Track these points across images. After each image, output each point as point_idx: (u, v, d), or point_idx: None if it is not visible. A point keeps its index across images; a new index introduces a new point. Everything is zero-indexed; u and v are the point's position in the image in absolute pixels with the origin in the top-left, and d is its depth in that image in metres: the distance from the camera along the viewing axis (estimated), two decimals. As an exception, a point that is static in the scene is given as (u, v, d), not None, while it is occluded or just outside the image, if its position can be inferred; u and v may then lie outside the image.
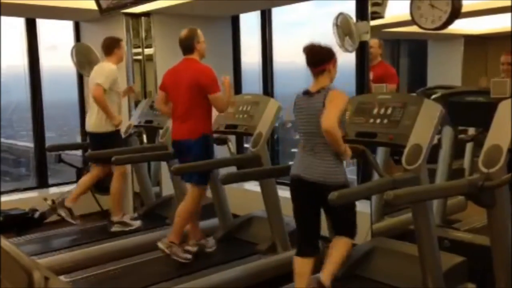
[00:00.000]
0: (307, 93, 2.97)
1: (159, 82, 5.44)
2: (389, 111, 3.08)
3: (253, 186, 5.04)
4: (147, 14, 5.52)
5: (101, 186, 5.25)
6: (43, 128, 6.17)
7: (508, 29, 3.04)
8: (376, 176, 3.39)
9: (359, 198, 2.92)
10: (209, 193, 4.32)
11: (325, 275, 2.92)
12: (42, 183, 6.16)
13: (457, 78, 3.70)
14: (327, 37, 4.01)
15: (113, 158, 4.20)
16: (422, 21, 3.33)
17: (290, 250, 3.93)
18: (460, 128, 3.70)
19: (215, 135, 4.20)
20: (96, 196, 5.42)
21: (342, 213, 3.00)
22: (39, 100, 6.11)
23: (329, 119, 2.77)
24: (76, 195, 4.82)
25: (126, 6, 5.04)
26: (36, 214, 5.11)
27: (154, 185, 5.48)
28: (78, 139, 6.50)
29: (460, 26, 3.34)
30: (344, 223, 3.07)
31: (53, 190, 6.00)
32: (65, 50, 5.76)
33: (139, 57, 5.68)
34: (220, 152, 4.32)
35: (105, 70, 4.68)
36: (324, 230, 3.34)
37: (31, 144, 6.27)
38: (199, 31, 3.90)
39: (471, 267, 3.15)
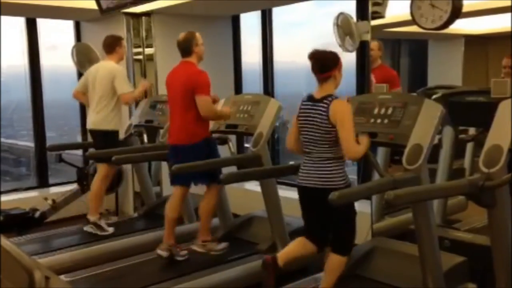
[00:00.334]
0: (311, 99, 2.97)
1: (160, 81, 5.49)
2: (389, 111, 3.08)
3: (254, 186, 5.05)
4: (147, 13, 5.52)
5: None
6: (44, 128, 6.17)
7: (508, 29, 3.04)
8: (376, 176, 3.39)
9: (359, 198, 2.92)
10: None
11: None
12: (43, 182, 6.17)
13: (457, 78, 3.70)
14: (328, 37, 4.01)
15: (113, 158, 4.20)
16: (423, 21, 3.32)
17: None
18: (461, 128, 3.70)
19: (215, 135, 4.21)
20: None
21: (339, 223, 3.03)
22: (40, 99, 6.12)
23: (351, 149, 2.85)
24: (95, 208, 4.77)
25: (127, 5, 5.03)
26: (37, 214, 5.12)
27: (154, 185, 5.48)
28: (79, 139, 6.50)
29: (461, 26, 3.34)
30: (340, 236, 3.07)
31: (53, 189, 6.01)
32: (65, 49, 5.76)
33: (140, 56, 5.68)
34: (221, 152, 4.32)
35: (121, 74, 4.71)
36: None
37: (31, 144, 6.27)
38: (197, 34, 3.88)
39: (472, 267, 3.15)
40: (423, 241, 2.94)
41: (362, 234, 3.82)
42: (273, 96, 5.52)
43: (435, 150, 2.98)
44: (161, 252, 3.92)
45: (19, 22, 5.98)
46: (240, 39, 6.16)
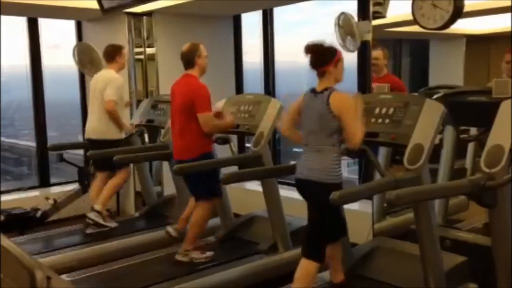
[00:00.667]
0: (313, 91, 2.98)
1: (161, 81, 5.49)
2: (391, 111, 3.08)
3: (255, 186, 5.05)
4: (149, 13, 5.52)
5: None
6: (45, 127, 6.18)
7: (510, 29, 3.04)
8: (377, 176, 3.39)
9: (360, 197, 2.91)
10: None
11: None
12: (44, 182, 6.18)
13: (459, 78, 3.70)
14: (329, 37, 4.01)
15: (114, 158, 4.20)
16: (424, 21, 3.32)
17: (292, 250, 3.94)
18: (462, 128, 3.70)
19: (217, 135, 4.21)
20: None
21: (319, 225, 2.99)
22: (41, 99, 6.12)
23: (354, 137, 2.82)
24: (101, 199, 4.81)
25: (128, 5, 5.04)
26: (38, 213, 5.12)
27: (155, 185, 5.48)
28: (80, 138, 6.50)
29: (462, 26, 3.34)
30: (316, 240, 3.02)
31: (54, 189, 6.01)
32: (67, 49, 5.77)
33: (141, 56, 5.68)
34: (222, 151, 4.33)
35: (113, 82, 4.68)
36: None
37: (33, 143, 6.28)
38: (201, 46, 3.86)
39: (473, 267, 3.15)
40: (424, 241, 2.94)
41: (364, 234, 3.82)
42: (274, 96, 5.52)
43: (436, 150, 2.98)
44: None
45: (21, 22, 5.98)
46: (241, 38, 6.16)
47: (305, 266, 2.98)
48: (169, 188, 5.06)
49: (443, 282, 2.97)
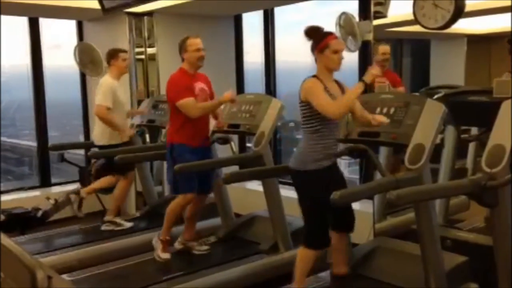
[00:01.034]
0: None
1: (162, 81, 5.49)
2: (391, 111, 3.08)
3: (256, 186, 5.05)
4: (150, 13, 5.52)
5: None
6: (46, 127, 6.19)
7: (510, 29, 3.03)
8: (378, 176, 3.39)
9: (361, 197, 2.91)
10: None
11: None
12: (45, 182, 6.19)
13: (460, 77, 3.69)
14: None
15: (116, 158, 4.20)
16: (425, 21, 3.32)
17: (293, 250, 3.93)
18: (463, 127, 3.69)
19: (217, 135, 4.21)
20: (99, 195, 5.42)
21: (303, 210, 3.02)
22: (42, 99, 6.13)
23: (327, 110, 2.79)
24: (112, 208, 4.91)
25: (129, 5, 5.04)
26: (39, 213, 5.12)
27: (156, 185, 5.48)
28: (81, 138, 6.52)
29: (463, 26, 3.34)
30: (306, 226, 3.06)
31: (55, 189, 6.02)
32: (68, 49, 5.77)
33: (142, 56, 5.68)
34: (223, 151, 4.33)
35: (101, 87, 4.68)
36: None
37: (34, 143, 6.29)
38: (189, 41, 3.79)
39: (474, 266, 3.15)
40: (425, 240, 2.94)
41: (364, 234, 3.82)
42: (275, 96, 5.52)
43: (437, 149, 2.98)
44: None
45: (22, 22, 5.99)
46: (242, 38, 6.16)
47: (298, 252, 3.07)
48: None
49: (444, 282, 2.97)
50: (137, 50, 5.65)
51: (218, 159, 4.07)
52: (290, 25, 6.30)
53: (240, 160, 4.04)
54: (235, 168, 3.84)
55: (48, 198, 5.23)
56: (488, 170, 2.57)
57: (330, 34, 2.90)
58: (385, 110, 3.12)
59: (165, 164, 5.08)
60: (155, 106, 5.08)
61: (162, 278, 3.65)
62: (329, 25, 4.01)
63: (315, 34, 2.90)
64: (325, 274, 3.43)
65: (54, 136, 6.46)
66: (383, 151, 3.79)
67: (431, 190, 2.73)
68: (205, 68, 3.95)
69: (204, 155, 3.91)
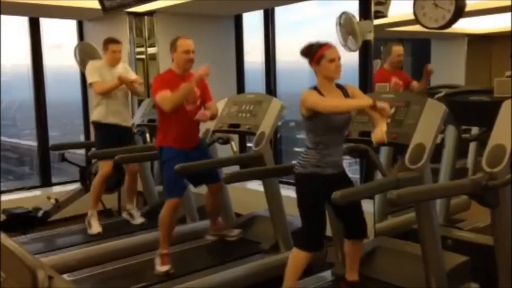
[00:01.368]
0: None
1: (162, 81, 5.48)
2: (392, 111, 3.08)
3: (256, 186, 5.05)
4: (150, 13, 5.52)
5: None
6: (47, 127, 6.19)
7: (510, 28, 3.03)
8: (379, 175, 3.39)
9: (362, 197, 2.91)
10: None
11: None
12: (46, 181, 6.19)
13: (460, 77, 3.69)
14: (331, 36, 4.01)
15: (115, 158, 4.20)
16: (426, 20, 3.32)
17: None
18: (464, 127, 3.69)
19: (218, 134, 4.21)
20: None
21: (301, 212, 3.02)
22: (43, 98, 6.13)
23: (318, 105, 2.80)
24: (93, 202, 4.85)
25: (130, 5, 5.04)
26: (40, 213, 5.13)
27: (157, 184, 5.48)
28: (82, 138, 6.52)
29: (464, 26, 3.34)
30: (301, 227, 3.06)
31: (56, 189, 6.02)
32: (68, 49, 5.78)
33: (142, 56, 5.68)
34: (223, 151, 4.32)
35: (86, 70, 4.77)
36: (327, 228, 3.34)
37: (34, 143, 6.29)
38: (179, 41, 3.74)
39: (475, 266, 3.15)
40: (426, 240, 2.94)
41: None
42: (275, 96, 5.52)
43: (437, 149, 2.98)
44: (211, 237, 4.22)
45: (23, 22, 5.99)
46: (242, 38, 6.17)
47: (291, 254, 3.06)
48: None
49: (444, 281, 2.97)
50: (138, 49, 5.65)
51: (218, 159, 4.07)
52: (291, 25, 6.30)
53: (240, 160, 4.04)
54: (235, 168, 3.84)
55: (48, 198, 5.24)
56: (488, 169, 2.57)
57: (324, 44, 2.89)
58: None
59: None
60: (155, 106, 5.07)
61: (163, 278, 3.65)
62: (329, 25, 4.02)
63: (309, 49, 2.91)
64: (325, 274, 3.43)
65: (54, 136, 6.47)
66: (384, 151, 3.79)
67: (432, 190, 2.73)
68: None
69: (195, 156, 3.76)
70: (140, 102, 5.55)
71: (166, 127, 3.78)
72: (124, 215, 5.05)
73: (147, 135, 5.20)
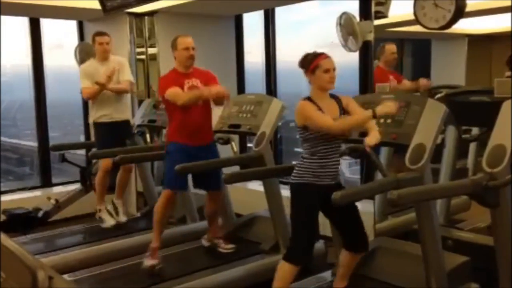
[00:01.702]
0: None
1: (163, 81, 5.48)
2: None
3: (257, 186, 5.05)
4: (150, 13, 5.52)
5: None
6: (47, 127, 6.19)
7: (510, 28, 3.03)
8: (379, 176, 3.38)
9: (362, 197, 2.91)
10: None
11: None
12: (46, 182, 6.19)
13: (460, 77, 3.69)
14: (331, 37, 4.01)
15: (116, 158, 4.20)
16: (426, 21, 3.32)
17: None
18: (464, 127, 3.69)
19: (218, 135, 4.21)
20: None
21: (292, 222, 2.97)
22: (43, 99, 6.13)
23: (322, 125, 2.79)
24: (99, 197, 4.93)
25: (130, 5, 5.04)
26: (40, 213, 5.13)
27: (157, 185, 5.47)
28: (82, 138, 6.52)
29: (464, 26, 3.34)
30: (292, 239, 2.99)
31: (56, 189, 6.02)
32: (68, 49, 5.78)
33: (143, 56, 5.68)
34: (224, 151, 4.32)
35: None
36: (327, 229, 3.35)
37: (35, 143, 6.30)
38: (179, 39, 3.81)
39: (475, 267, 3.15)
40: (426, 241, 2.94)
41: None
42: (275, 96, 5.52)
43: (438, 149, 2.97)
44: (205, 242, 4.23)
45: (23, 22, 5.99)
46: (243, 38, 6.16)
47: (278, 266, 3.00)
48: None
49: (445, 282, 2.97)
50: (138, 50, 5.65)
51: (219, 159, 4.07)
52: (291, 25, 6.30)
53: (241, 160, 4.04)
54: (236, 168, 3.84)
55: (49, 198, 5.24)
56: (489, 170, 2.57)
57: (320, 54, 2.88)
58: (386, 110, 3.11)
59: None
60: (156, 106, 5.08)
61: (163, 278, 3.65)
62: (330, 25, 4.02)
63: (305, 60, 2.91)
64: (325, 275, 3.43)
65: (55, 136, 6.47)
66: (384, 151, 3.79)
67: (432, 190, 2.73)
68: (205, 68, 3.95)
69: (200, 155, 3.77)
70: (140, 102, 5.55)
71: (174, 124, 3.85)
72: (109, 207, 4.96)
73: (147, 135, 5.21)
